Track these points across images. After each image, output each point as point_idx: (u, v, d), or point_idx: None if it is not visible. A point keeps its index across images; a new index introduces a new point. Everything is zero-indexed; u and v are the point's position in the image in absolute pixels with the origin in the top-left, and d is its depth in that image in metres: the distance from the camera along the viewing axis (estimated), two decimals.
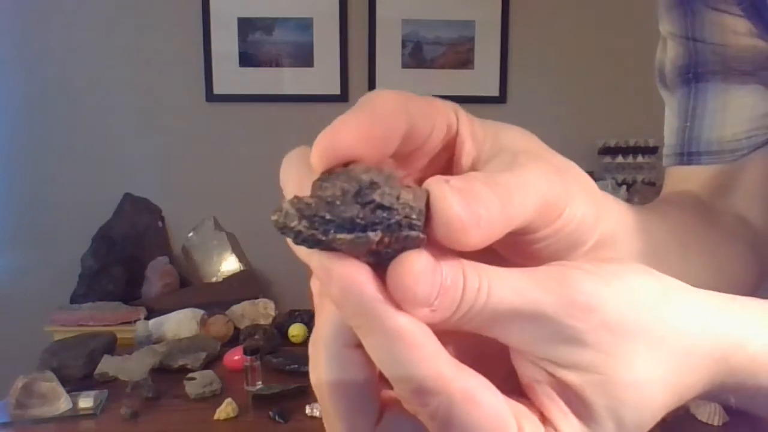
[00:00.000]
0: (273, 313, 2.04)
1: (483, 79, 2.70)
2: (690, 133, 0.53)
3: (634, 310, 0.24)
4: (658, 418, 0.25)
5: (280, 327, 1.95)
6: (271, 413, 1.43)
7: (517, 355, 0.25)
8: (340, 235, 0.21)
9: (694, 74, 0.53)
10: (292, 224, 0.21)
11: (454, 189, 0.22)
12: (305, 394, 1.54)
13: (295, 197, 0.22)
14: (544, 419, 0.25)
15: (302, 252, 0.23)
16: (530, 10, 2.67)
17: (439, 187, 0.22)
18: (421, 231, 0.22)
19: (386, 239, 0.22)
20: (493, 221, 0.22)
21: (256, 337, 1.85)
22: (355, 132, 0.24)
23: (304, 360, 1.69)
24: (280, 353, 1.76)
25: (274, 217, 0.22)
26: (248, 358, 1.59)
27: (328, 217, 0.21)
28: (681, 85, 0.54)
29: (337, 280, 0.22)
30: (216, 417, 1.44)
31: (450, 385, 0.22)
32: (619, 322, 0.24)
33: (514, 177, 0.24)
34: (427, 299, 0.22)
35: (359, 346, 0.24)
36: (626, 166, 2.62)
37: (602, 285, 0.24)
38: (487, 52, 2.68)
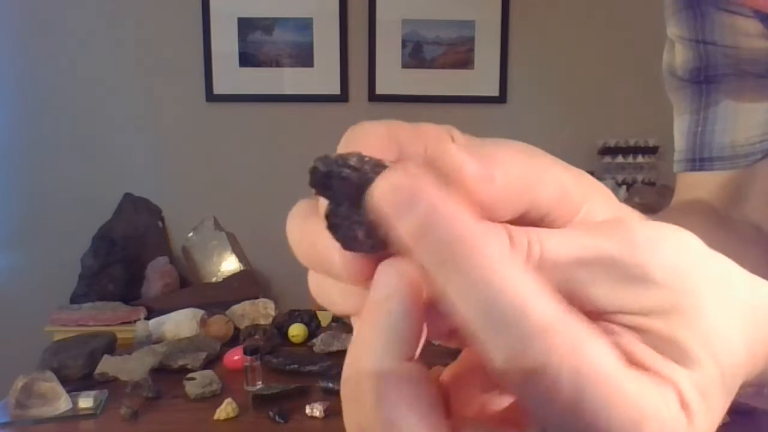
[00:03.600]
0: (273, 313, 2.04)
1: (483, 79, 2.70)
2: (702, 138, 0.52)
3: (692, 255, 0.23)
4: (744, 371, 0.24)
5: (280, 327, 1.95)
6: (271, 413, 1.43)
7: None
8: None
9: (706, 77, 0.51)
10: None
11: (462, 147, 0.22)
12: (305, 394, 1.54)
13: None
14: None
15: (304, 238, 0.23)
16: (530, 10, 2.67)
17: (445, 146, 0.21)
18: None
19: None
20: (509, 179, 0.21)
21: (256, 337, 1.85)
22: None
23: (304, 360, 1.70)
24: (280, 353, 1.76)
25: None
26: (248, 358, 1.59)
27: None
28: (691, 88, 0.53)
29: (424, 199, 0.19)
30: (216, 417, 1.43)
31: (567, 326, 0.20)
32: (683, 262, 0.23)
33: (530, 158, 0.23)
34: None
35: (412, 359, 0.22)
36: (626, 166, 2.62)
37: (656, 230, 0.23)
38: (487, 52, 2.68)
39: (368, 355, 0.22)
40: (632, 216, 0.28)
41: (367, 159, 0.22)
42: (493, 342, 0.20)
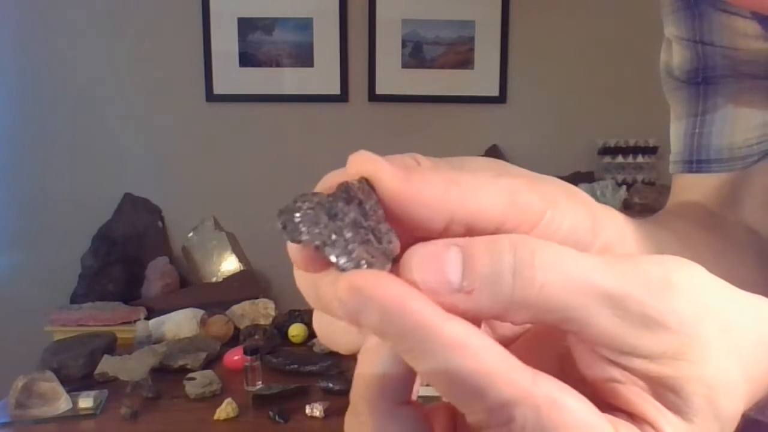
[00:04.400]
0: (273, 313, 2.04)
1: (483, 79, 2.69)
2: (699, 139, 0.51)
3: (702, 294, 0.23)
4: (742, 410, 0.24)
5: (280, 327, 1.95)
6: (271, 413, 1.43)
7: (587, 358, 0.23)
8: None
9: (704, 78, 0.51)
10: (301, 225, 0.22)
11: (391, 164, 0.22)
12: (305, 394, 1.54)
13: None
14: (635, 424, 0.22)
15: (311, 290, 0.23)
16: (530, 10, 2.67)
17: (372, 161, 0.22)
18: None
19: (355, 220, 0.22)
20: (433, 192, 0.22)
21: (256, 337, 1.85)
22: None
23: (304, 360, 1.70)
24: (280, 353, 1.76)
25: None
26: (248, 358, 1.59)
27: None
28: (689, 89, 0.52)
29: (374, 299, 0.20)
30: (216, 417, 1.44)
31: (531, 392, 0.20)
32: (694, 305, 0.22)
33: (465, 173, 0.23)
34: (445, 280, 0.20)
35: (409, 402, 0.23)
36: (626, 166, 2.62)
37: (668, 267, 0.23)
38: (487, 52, 2.68)
39: (363, 401, 0.23)
40: (612, 218, 0.28)
41: (302, 195, 0.22)
42: (462, 409, 0.21)
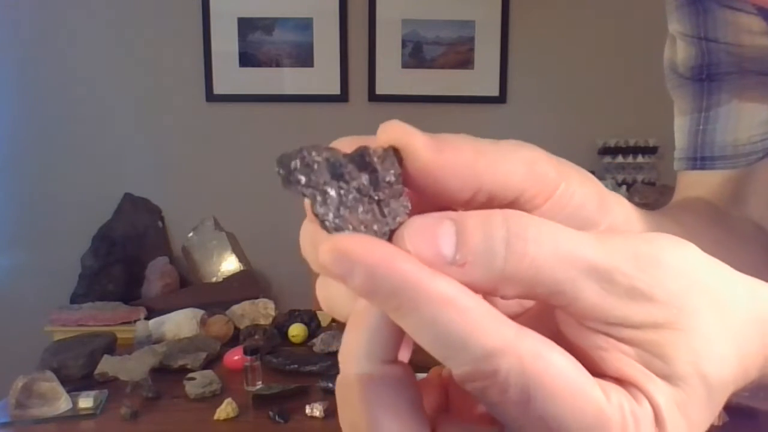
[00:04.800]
0: (273, 313, 2.04)
1: (483, 79, 2.70)
2: (703, 136, 0.51)
3: (690, 269, 0.23)
4: (734, 385, 0.24)
5: (280, 327, 1.95)
6: (271, 413, 1.43)
7: (573, 326, 0.23)
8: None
9: (708, 75, 0.51)
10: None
11: (423, 133, 0.23)
12: (305, 394, 1.54)
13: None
14: (624, 387, 0.23)
15: (310, 247, 0.23)
16: (530, 10, 2.67)
17: (404, 129, 0.22)
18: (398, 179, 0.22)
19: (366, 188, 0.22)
20: (464, 161, 0.22)
21: (256, 337, 1.85)
22: None
23: (304, 360, 1.70)
24: (280, 353, 1.76)
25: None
26: (248, 358, 1.59)
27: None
28: (693, 86, 0.52)
29: (360, 261, 0.20)
30: (216, 417, 1.44)
31: (515, 344, 0.21)
32: (682, 278, 0.23)
33: (489, 142, 0.24)
34: (439, 252, 0.21)
35: (395, 360, 0.23)
36: (626, 166, 2.62)
37: (657, 243, 0.23)
38: (487, 52, 2.68)
39: (350, 360, 0.23)
40: (620, 203, 0.28)
41: (316, 146, 0.22)
42: (448, 363, 0.21)
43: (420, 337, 0.21)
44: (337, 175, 0.21)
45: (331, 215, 0.21)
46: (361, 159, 0.22)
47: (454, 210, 0.22)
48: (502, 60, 2.69)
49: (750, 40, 0.48)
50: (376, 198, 0.22)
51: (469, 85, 2.69)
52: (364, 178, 0.22)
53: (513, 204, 0.24)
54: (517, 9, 2.67)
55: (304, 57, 2.66)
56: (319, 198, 0.21)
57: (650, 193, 2.44)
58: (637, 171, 2.61)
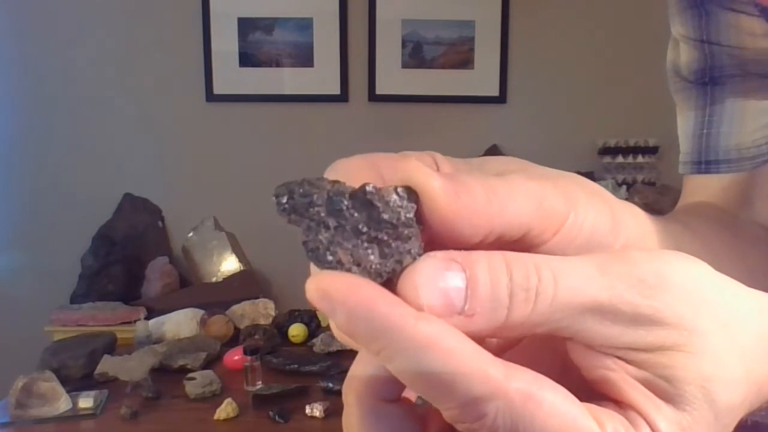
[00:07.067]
0: (273, 313, 2.04)
1: (483, 79, 2.69)
2: (707, 140, 0.51)
3: (699, 288, 0.23)
4: (744, 408, 0.24)
5: (280, 327, 1.95)
6: (271, 413, 1.43)
7: (580, 349, 0.23)
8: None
9: (711, 78, 0.50)
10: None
11: (439, 173, 0.22)
12: (305, 394, 1.54)
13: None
14: (624, 413, 0.23)
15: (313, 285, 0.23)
16: (530, 10, 2.67)
17: (422, 171, 0.22)
18: (414, 225, 0.21)
19: (376, 234, 0.21)
20: (478, 206, 0.22)
21: (256, 337, 1.85)
22: None
23: (304, 360, 1.70)
24: (280, 353, 1.76)
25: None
26: (248, 358, 1.59)
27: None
28: (696, 89, 0.52)
29: (340, 302, 0.20)
30: (216, 417, 1.44)
31: (503, 385, 0.20)
32: (691, 299, 0.23)
33: (500, 180, 0.23)
34: (450, 304, 0.20)
35: (397, 400, 0.23)
36: (626, 166, 2.62)
37: (664, 263, 0.23)
38: (487, 52, 2.68)
39: (351, 393, 0.24)
40: (633, 215, 0.28)
41: (320, 178, 0.21)
42: (436, 405, 0.21)
43: (405, 380, 0.21)
44: (335, 210, 0.21)
45: (321, 250, 0.21)
46: (363, 198, 0.21)
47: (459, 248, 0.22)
48: (502, 60, 2.69)
49: (752, 42, 0.48)
50: (377, 237, 0.21)
51: (469, 85, 2.69)
52: (365, 216, 0.21)
53: (521, 240, 0.23)
54: (517, 9, 2.67)
55: (304, 57, 2.66)
56: (311, 231, 0.21)
57: (650, 193, 2.44)
58: (637, 171, 2.61)
